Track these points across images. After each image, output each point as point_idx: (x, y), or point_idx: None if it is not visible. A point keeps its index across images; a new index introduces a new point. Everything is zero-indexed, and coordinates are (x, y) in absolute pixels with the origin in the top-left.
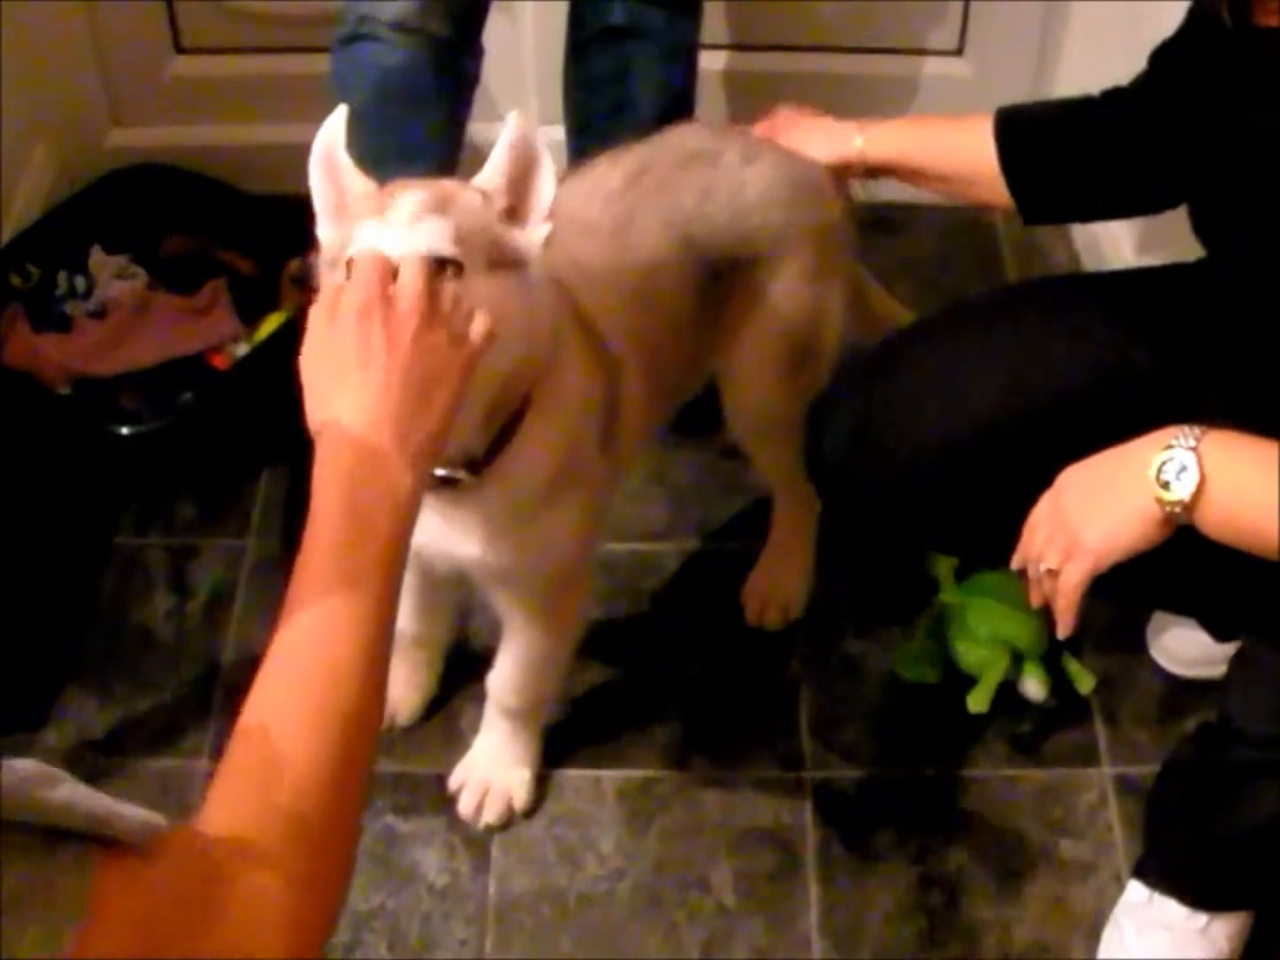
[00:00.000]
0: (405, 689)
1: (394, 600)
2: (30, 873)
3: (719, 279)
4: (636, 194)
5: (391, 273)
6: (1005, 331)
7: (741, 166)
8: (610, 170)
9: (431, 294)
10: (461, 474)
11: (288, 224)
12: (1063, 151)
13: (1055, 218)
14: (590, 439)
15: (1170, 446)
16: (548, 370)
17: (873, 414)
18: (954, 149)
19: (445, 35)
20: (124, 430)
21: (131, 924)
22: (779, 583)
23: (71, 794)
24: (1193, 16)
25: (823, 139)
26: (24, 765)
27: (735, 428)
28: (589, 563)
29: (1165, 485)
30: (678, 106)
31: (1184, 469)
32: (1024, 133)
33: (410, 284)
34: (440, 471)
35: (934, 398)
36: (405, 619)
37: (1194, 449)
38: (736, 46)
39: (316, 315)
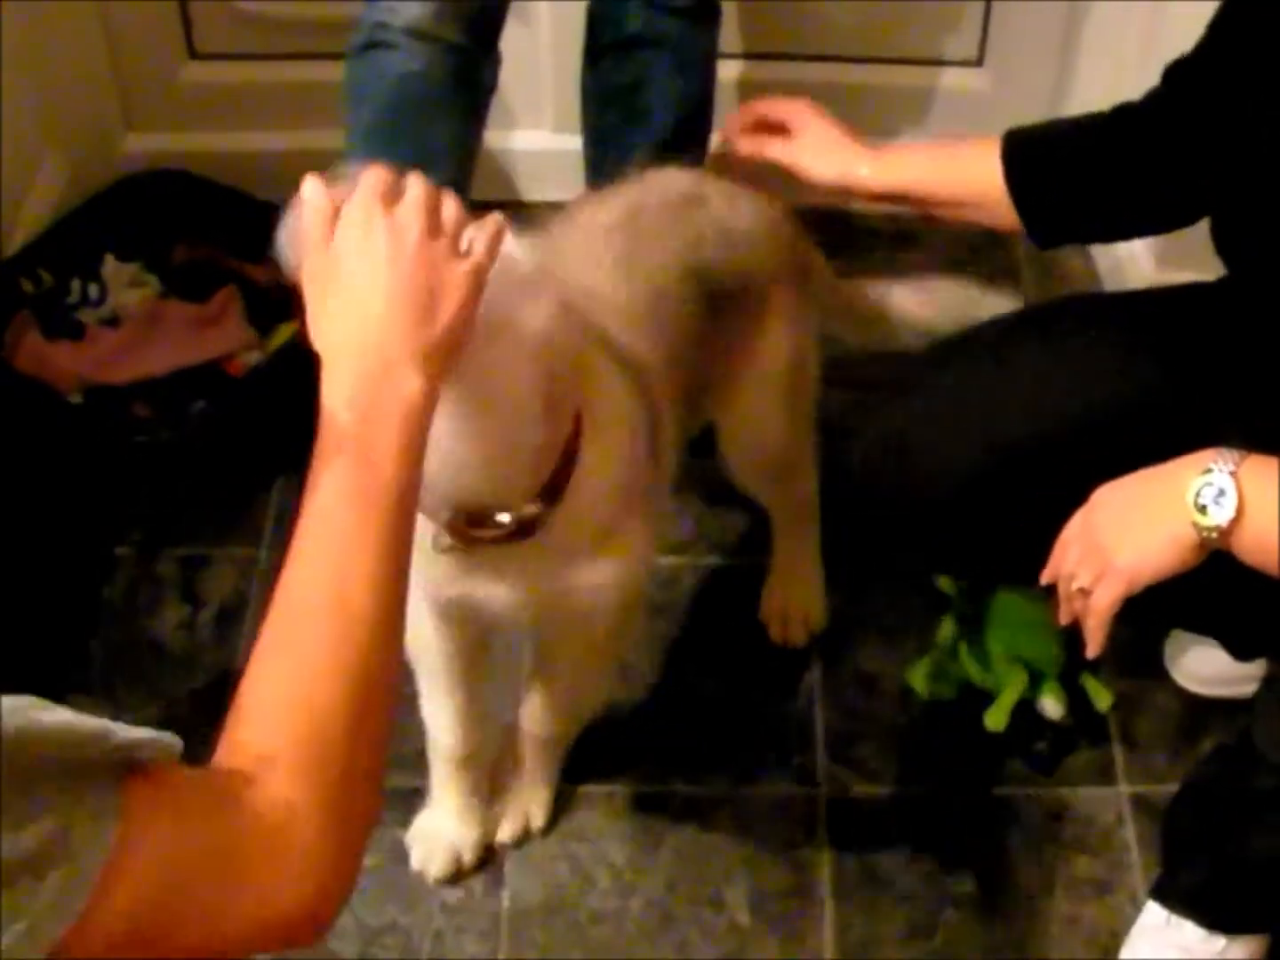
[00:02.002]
0: (461, 828)
1: (408, 529)
2: (56, 823)
3: (718, 314)
4: (634, 229)
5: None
6: (1031, 352)
7: (727, 207)
8: (601, 210)
9: (431, 209)
10: (535, 507)
11: None
12: (1073, 172)
13: (1068, 239)
14: (643, 456)
15: (1209, 470)
16: (590, 391)
17: (902, 431)
18: (961, 176)
19: (461, 43)
20: (138, 439)
21: (158, 860)
22: (795, 598)
23: (67, 715)
24: (1213, 32)
25: (828, 158)
26: (11, 697)
27: (733, 466)
28: (645, 589)
29: (1203, 510)
30: (695, 116)
31: (1222, 494)
32: (1032, 154)
33: (412, 194)
34: (505, 517)
35: (960, 418)
36: (447, 732)
37: (1233, 474)
38: (751, 55)
39: (315, 229)
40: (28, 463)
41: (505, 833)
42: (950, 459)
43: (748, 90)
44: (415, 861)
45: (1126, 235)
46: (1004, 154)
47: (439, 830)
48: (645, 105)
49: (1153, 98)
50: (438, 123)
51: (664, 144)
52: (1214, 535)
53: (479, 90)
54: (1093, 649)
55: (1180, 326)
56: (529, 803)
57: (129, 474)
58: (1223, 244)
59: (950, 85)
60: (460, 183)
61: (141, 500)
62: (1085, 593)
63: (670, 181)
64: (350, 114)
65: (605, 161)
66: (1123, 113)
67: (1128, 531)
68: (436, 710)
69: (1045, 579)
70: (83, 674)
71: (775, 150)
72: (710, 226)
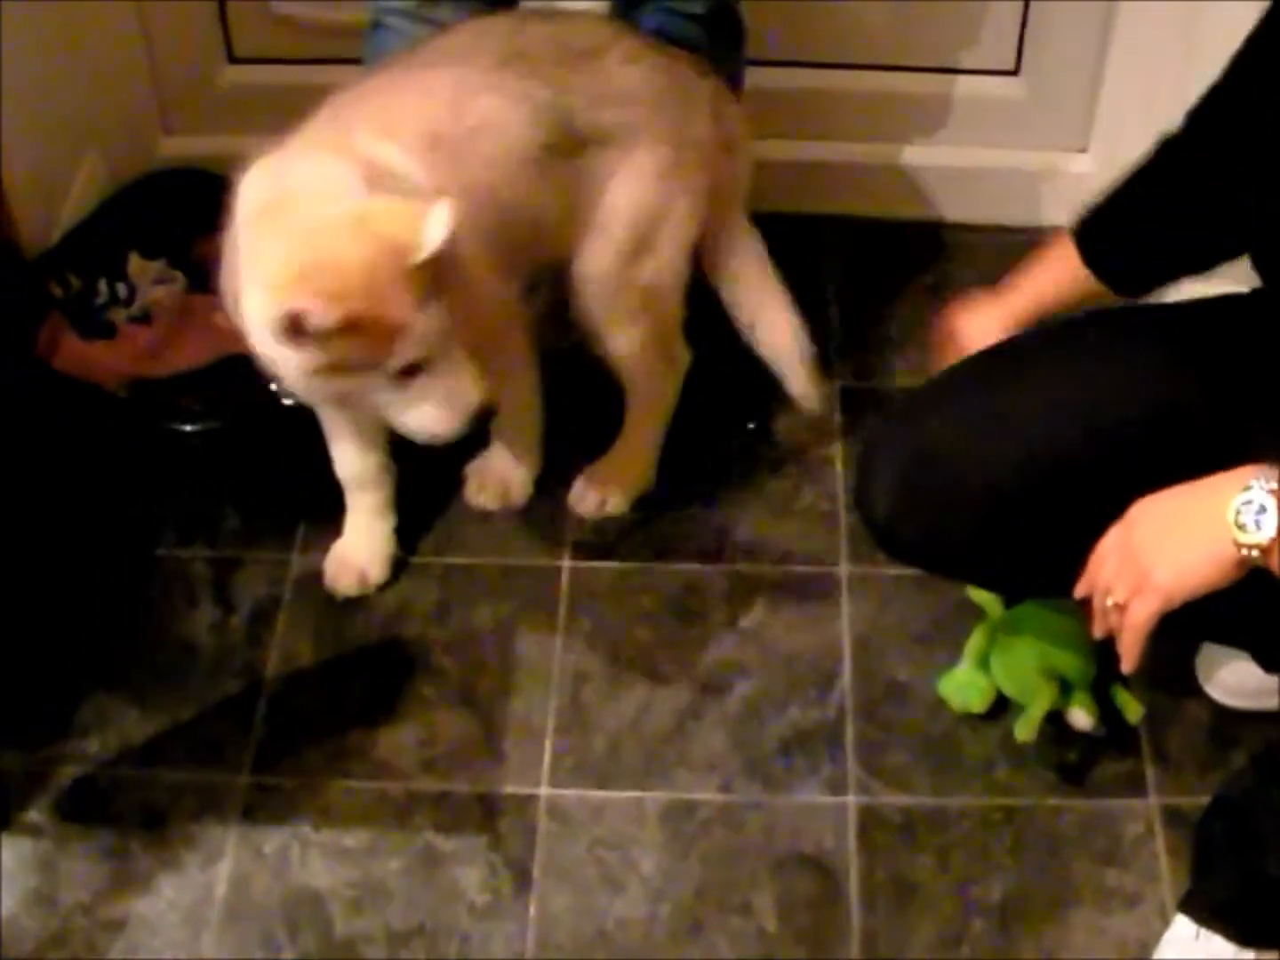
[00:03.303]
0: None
1: None
2: None
3: (568, 158)
4: (500, 75)
5: None
6: (1063, 365)
7: (618, 65)
8: (480, 44)
9: None
10: None
11: None
12: (1135, 223)
13: (1154, 285)
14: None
15: (1249, 488)
16: None
17: (924, 455)
18: (1061, 283)
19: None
20: (188, 428)
21: None
22: (603, 471)
23: None
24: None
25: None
26: None
27: (581, 316)
28: None
29: (1243, 527)
30: None
31: (1263, 511)
32: (1097, 225)
33: None
34: None
35: (986, 437)
36: (346, 465)
37: (1274, 491)
38: (780, 63)
39: None
40: (76, 462)
41: (487, 499)
42: (982, 473)
43: (777, 98)
44: (326, 580)
45: (1205, 265)
46: (1075, 237)
47: (346, 552)
48: None
49: (1182, 133)
50: None
51: None
52: (1254, 553)
53: None
54: (1128, 665)
55: (1213, 338)
56: (508, 476)
57: (178, 467)
58: (1259, 258)
59: (986, 93)
60: None
61: (183, 498)
62: (1120, 608)
63: (578, 31)
64: None
65: None
66: (1166, 148)
67: (1166, 547)
68: (336, 441)
69: (1080, 592)
70: (119, 674)
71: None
72: (583, 79)
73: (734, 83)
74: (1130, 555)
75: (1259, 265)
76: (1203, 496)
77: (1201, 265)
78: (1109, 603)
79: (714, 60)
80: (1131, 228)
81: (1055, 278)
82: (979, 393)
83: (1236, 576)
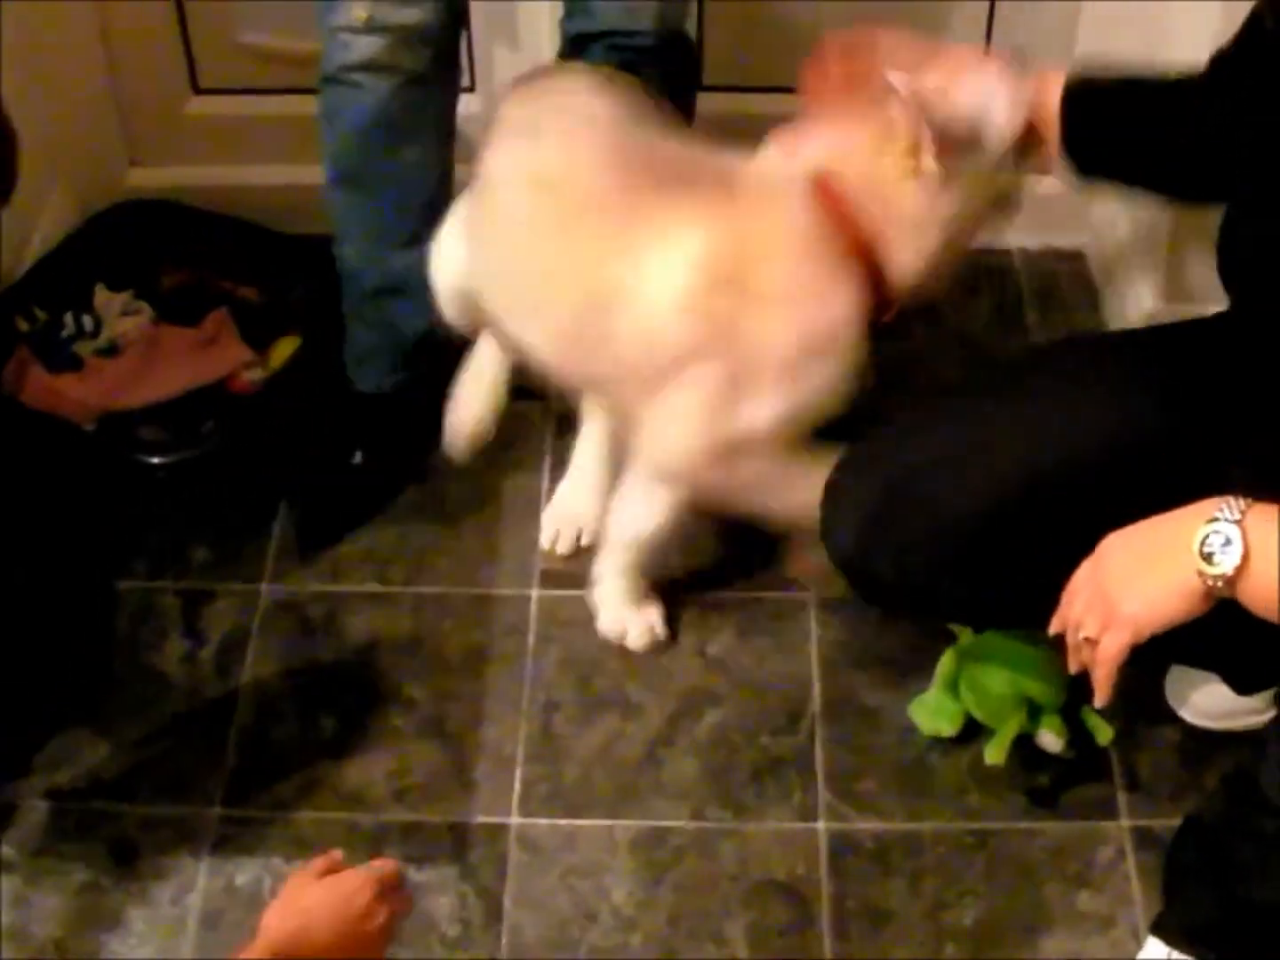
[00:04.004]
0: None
1: None
2: None
3: None
4: None
5: None
6: (1033, 395)
7: None
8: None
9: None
10: None
11: (285, 246)
12: (1123, 107)
13: (1099, 171)
14: None
15: (1214, 519)
16: None
17: (890, 492)
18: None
19: (419, 69)
20: (155, 460)
21: None
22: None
23: None
24: (1249, 22)
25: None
26: None
27: None
28: None
29: (1208, 559)
30: None
31: (1228, 543)
32: (1095, 84)
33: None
34: None
35: (953, 472)
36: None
37: (1238, 522)
38: (741, 89)
39: None
40: (43, 496)
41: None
42: (949, 510)
43: (737, 121)
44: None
45: (1148, 184)
46: (1069, 78)
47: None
48: None
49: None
50: (406, 145)
51: None
52: (1220, 584)
53: (443, 108)
54: (1100, 699)
55: (1181, 364)
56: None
57: (143, 499)
58: (1227, 267)
59: None
60: (438, 201)
61: (152, 530)
62: (1092, 642)
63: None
64: (324, 144)
65: None
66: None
67: (1134, 581)
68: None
69: (1054, 629)
70: (84, 708)
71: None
72: None
73: (686, 114)
74: (1100, 590)
75: (1226, 275)
76: (1169, 530)
77: (1157, 183)
78: (1080, 637)
79: (666, 93)
80: (1122, 106)
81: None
82: (944, 428)
83: (1205, 608)
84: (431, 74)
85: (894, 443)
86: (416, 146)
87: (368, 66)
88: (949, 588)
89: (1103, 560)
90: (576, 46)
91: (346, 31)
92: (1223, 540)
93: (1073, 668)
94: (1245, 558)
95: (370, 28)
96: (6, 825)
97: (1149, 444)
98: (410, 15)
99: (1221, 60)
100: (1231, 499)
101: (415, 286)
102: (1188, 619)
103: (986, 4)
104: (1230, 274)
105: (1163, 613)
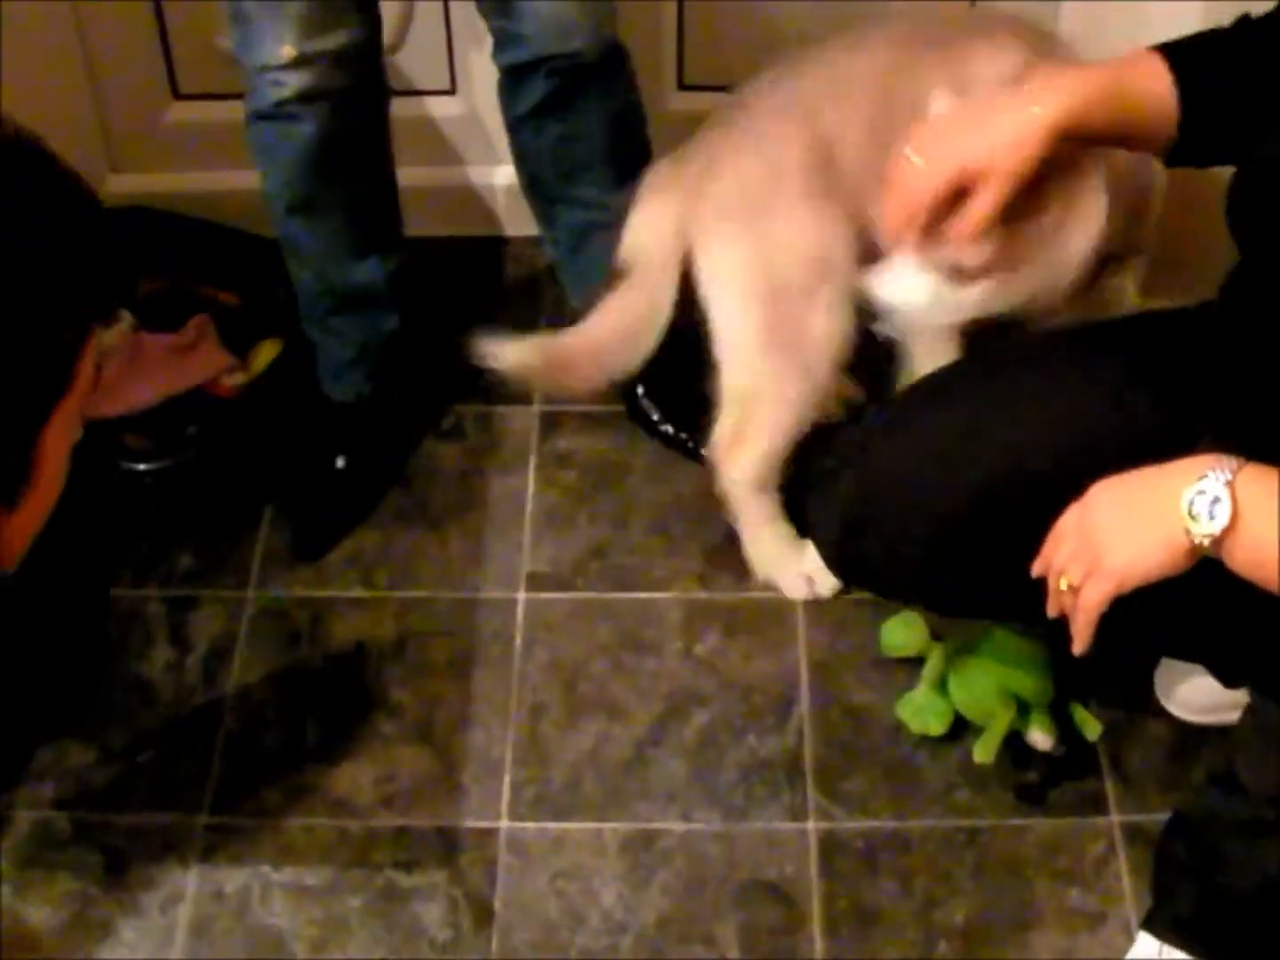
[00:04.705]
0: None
1: None
2: None
3: None
4: None
5: None
6: (1020, 388)
7: None
8: None
9: None
10: None
11: (264, 250)
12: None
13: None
14: None
15: (1204, 477)
16: None
17: (874, 483)
18: (1134, 94)
19: (351, 87)
20: (140, 467)
21: None
22: None
23: None
24: None
25: (1004, 125)
26: None
27: None
28: None
29: (1195, 517)
30: (631, 157)
31: (1216, 502)
32: (1199, 61)
33: None
34: None
35: (936, 463)
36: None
37: (1229, 483)
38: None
39: None
40: None
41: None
42: (932, 500)
43: None
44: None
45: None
46: (1171, 64)
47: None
48: (578, 158)
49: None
50: (353, 166)
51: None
52: (1206, 543)
53: (381, 118)
54: (1079, 646)
55: (1167, 351)
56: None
57: (126, 506)
58: (1238, 215)
59: None
60: (389, 207)
61: (137, 536)
62: (1074, 590)
63: None
64: (267, 177)
65: (556, 214)
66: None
67: (1119, 532)
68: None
69: (1035, 571)
70: (70, 717)
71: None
72: None
73: (637, 123)
74: (1085, 537)
75: (1236, 224)
76: (1159, 483)
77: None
78: (1063, 585)
79: (614, 107)
80: (1240, 73)
81: (1128, 78)
82: (926, 419)
83: (1188, 565)
84: (363, 89)
85: (881, 433)
86: (361, 161)
87: (302, 98)
88: (936, 577)
89: (1090, 508)
90: (514, 78)
91: (275, 70)
92: (1211, 499)
93: (1051, 611)
94: (1233, 519)
95: (299, 61)
96: None
97: (1136, 431)
98: (334, 40)
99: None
100: (1223, 457)
101: (378, 291)
102: (1172, 574)
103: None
104: (1248, 216)
105: (1146, 567)
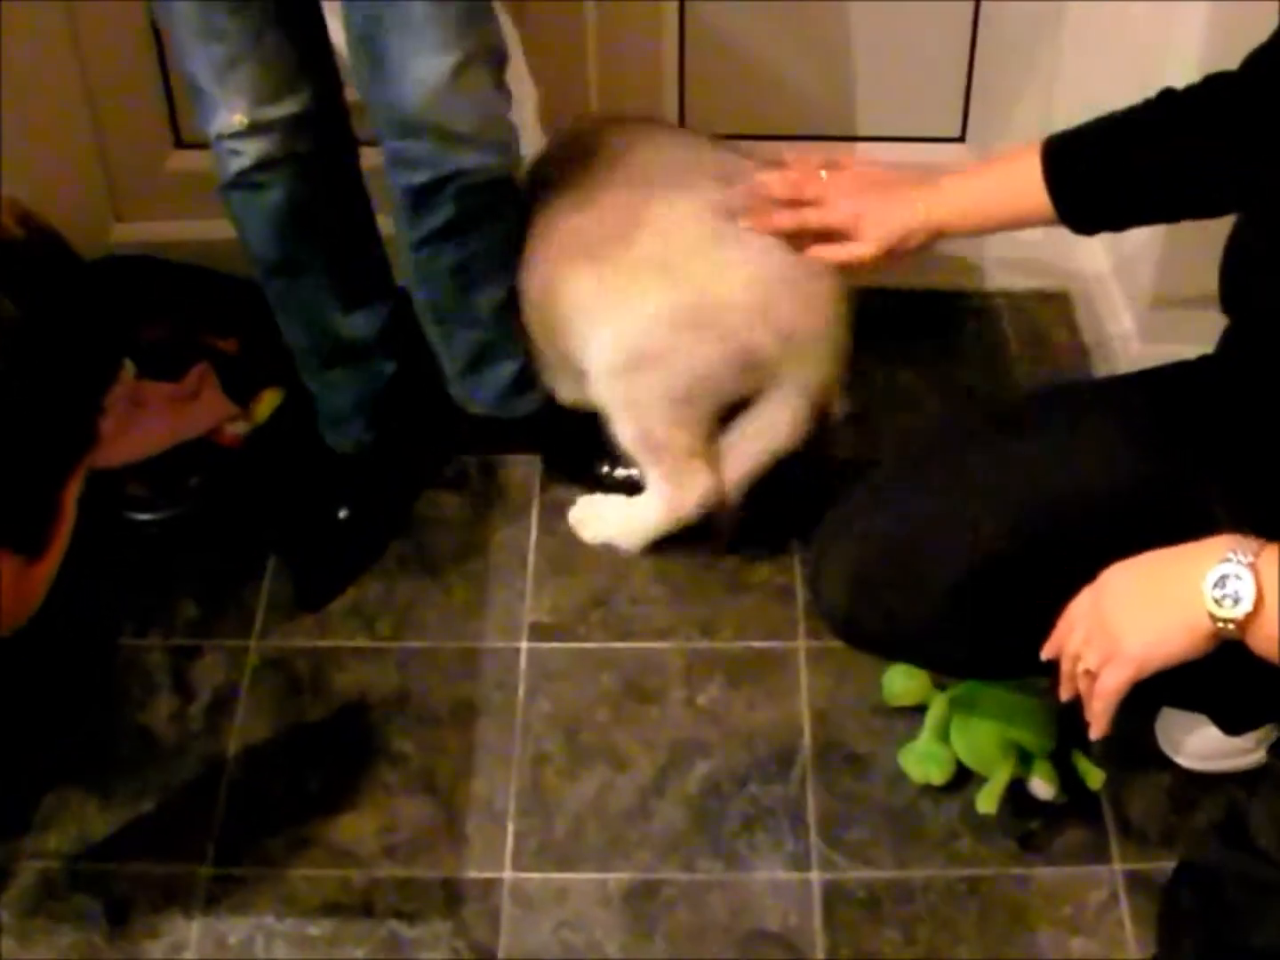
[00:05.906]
0: None
1: None
2: None
3: None
4: None
5: None
6: (1019, 447)
7: None
8: None
9: None
10: None
11: (264, 298)
12: (1110, 154)
13: (1101, 221)
14: None
15: (1227, 559)
16: None
17: (879, 547)
18: (1007, 195)
19: (313, 149)
20: (142, 517)
21: None
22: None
23: None
24: None
25: (897, 209)
26: None
27: None
28: None
29: (1219, 601)
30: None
31: (1240, 585)
32: (1071, 146)
33: None
34: None
35: (941, 527)
36: None
37: (1251, 565)
38: (735, 136)
39: None
40: None
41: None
42: (938, 565)
43: None
44: None
45: (1154, 215)
46: (1045, 148)
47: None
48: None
49: (1201, 88)
50: (327, 222)
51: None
52: (1230, 627)
53: (352, 173)
54: (1096, 731)
55: (1165, 409)
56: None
57: (129, 556)
58: (1233, 282)
59: (932, 160)
60: (373, 255)
61: (140, 586)
62: (1091, 674)
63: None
64: (245, 242)
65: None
66: (1167, 97)
67: (1139, 616)
68: None
69: (1046, 654)
70: (73, 767)
71: (834, 253)
72: None
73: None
74: (1101, 622)
75: (1229, 295)
76: (1177, 566)
77: (1166, 215)
78: (1079, 669)
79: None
80: (1108, 156)
81: (1004, 180)
82: (928, 484)
83: (1210, 648)
84: (327, 151)
85: (878, 500)
86: (336, 219)
87: (262, 165)
88: (938, 643)
89: (1104, 592)
90: (416, 200)
91: (231, 139)
92: (1235, 582)
93: (1065, 695)
94: (1258, 602)
95: (253, 129)
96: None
97: (1135, 492)
98: (287, 107)
99: (1260, 57)
100: (1243, 539)
101: (371, 343)
102: (1193, 658)
103: (971, 4)
104: (1236, 291)
105: (1168, 651)
